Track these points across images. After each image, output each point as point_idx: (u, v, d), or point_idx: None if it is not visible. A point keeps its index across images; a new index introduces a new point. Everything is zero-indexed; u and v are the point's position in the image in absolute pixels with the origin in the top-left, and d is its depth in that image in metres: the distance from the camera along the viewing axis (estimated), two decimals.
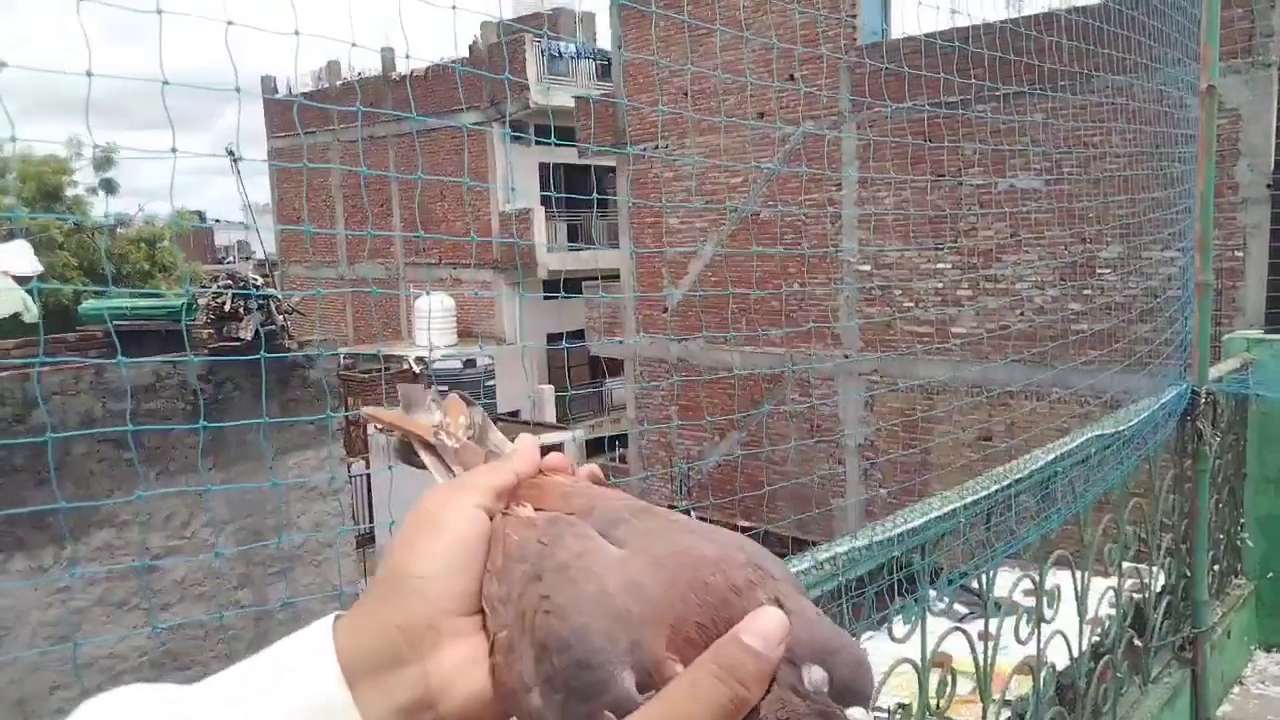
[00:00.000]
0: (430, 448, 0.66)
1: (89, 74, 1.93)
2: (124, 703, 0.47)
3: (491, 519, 0.54)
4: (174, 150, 2.15)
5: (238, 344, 7.75)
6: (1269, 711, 3.64)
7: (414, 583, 0.50)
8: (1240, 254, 9.70)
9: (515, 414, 17.25)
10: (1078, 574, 2.67)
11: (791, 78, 11.44)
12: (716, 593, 0.47)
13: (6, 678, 5.61)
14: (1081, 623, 2.71)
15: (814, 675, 0.44)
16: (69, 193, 24.89)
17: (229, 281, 9.05)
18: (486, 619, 0.51)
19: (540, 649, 0.47)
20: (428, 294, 18.45)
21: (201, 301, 9.01)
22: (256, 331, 7.79)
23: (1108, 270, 9.88)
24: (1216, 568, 3.68)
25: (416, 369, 14.68)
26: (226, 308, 8.34)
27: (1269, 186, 9.54)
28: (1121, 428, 2.82)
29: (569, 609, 0.47)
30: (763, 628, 0.45)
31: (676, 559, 0.48)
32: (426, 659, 0.49)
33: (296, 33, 2.17)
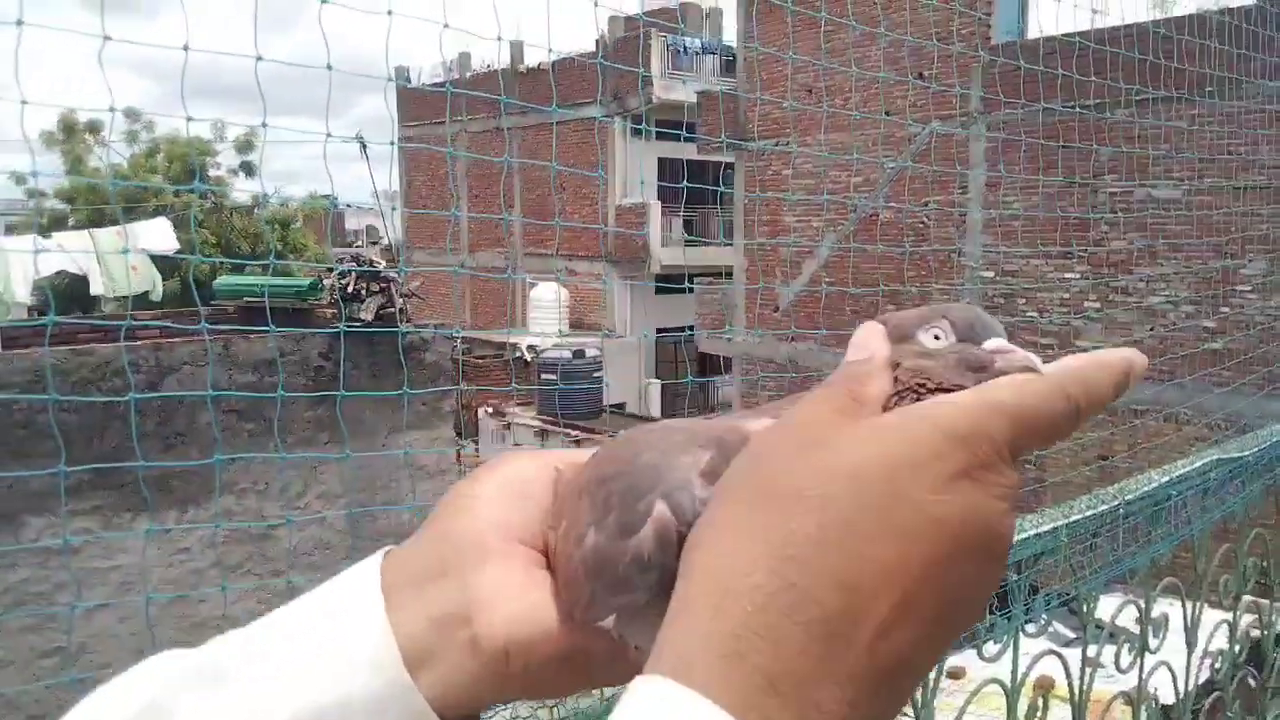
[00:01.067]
0: None
1: (258, 58, 2.03)
2: (158, 672, 0.45)
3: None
4: (327, 134, 2.24)
5: (358, 324, 8.03)
6: None
7: (464, 500, 0.49)
8: None
9: (622, 406, 17.39)
10: (1189, 604, 2.53)
11: (921, 76, 11.16)
12: None
13: (128, 629, 5.95)
14: (1190, 655, 2.57)
15: (933, 332, 0.44)
16: (211, 173, 26.16)
17: (354, 264, 9.38)
18: (548, 548, 0.49)
19: (594, 486, 0.46)
20: (550, 281, 18.73)
21: (326, 282, 9.37)
22: (377, 313, 8.05)
23: (1247, 287, 9.33)
24: None
25: (528, 357, 14.94)
26: (350, 289, 8.64)
27: None
28: (1246, 453, 2.67)
29: (620, 446, 0.48)
30: (854, 340, 0.45)
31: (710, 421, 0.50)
32: (468, 572, 0.46)
33: (445, 25, 2.24)
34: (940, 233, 12.60)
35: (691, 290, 15.99)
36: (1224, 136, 7.88)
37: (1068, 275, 11.50)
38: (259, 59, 1.98)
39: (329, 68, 1.96)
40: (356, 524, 7.56)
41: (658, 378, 20.10)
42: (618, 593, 0.44)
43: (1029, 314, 11.82)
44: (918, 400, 0.41)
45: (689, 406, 18.75)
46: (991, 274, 12.40)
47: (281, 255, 25.46)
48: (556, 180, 21.53)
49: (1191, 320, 10.00)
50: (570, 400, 13.59)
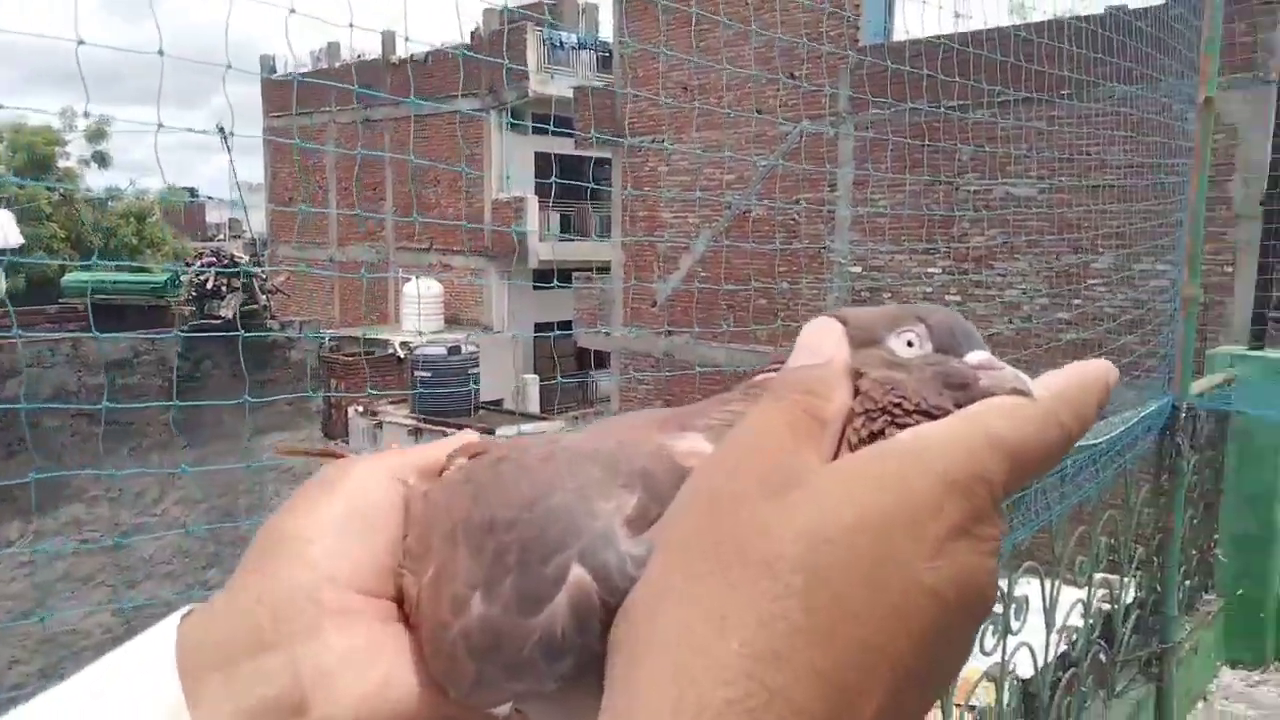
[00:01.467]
0: None
1: (80, 41, 1.90)
2: None
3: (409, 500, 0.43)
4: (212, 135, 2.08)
5: (218, 322, 7.67)
6: None
7: (291, 544, 0.39)
8: (1230, 270, 9.68)
9: (499, 403, 17.19)
10: (1048, 583, 2.62)
11: (792, 75, 11.38)
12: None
13: None
14: (1049, 633, 2.66)
15: (906, 337, 0.37)
16: (60, 164, 24.69)
17: (212, 259, 8.98)
18: (403, 593, 0.39)
19: (479, 533, 0.37)
20: (415, 278, 18.36)
21: (184, 278, 8.92)
22: (238, 310, 7.71)
23: (1098, 281, 9.86)
24: (1188, 583, 3.64)
25: (401, 354, 14.60)
26: (209, 285, 8.26)
27: (1262, 204, 9.51)
28: (1100, 440, 2.78)
29: (510, 480, 0.38)
30: (804, 340, 0.38)
31: (623, 425, 0.41)
32: (298, 643, 0.36)
33: (292, 11, 2.14)
34: (810, 229, 12.89)
35: (569, 286, 15.93)
36: (1079, 137, 8.28)
37: (931, 270, 11.92)
38: (80, 43, 1.83)
39: (161, 53, 1.83)
40: (218, 530, 7.21)
41: (535, 373, 19.96)
42: (517, 679, 0.35)
43: None
44: (892, 423, 0.34)
45: (568, 402, 18.70)
46: (859, 269, 12.75)
47: (137, 250, 24.20)
48: (430, 174, 21.11)
49: (1047, 313, 10.50)
50: (444, 398, 13.34)
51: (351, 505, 0.41)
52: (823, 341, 0.37)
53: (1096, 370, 0.36)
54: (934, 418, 0.34)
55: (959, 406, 0.34)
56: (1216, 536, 3.92)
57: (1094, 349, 7.29)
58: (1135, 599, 3.19)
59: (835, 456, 0.34)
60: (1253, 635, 4.04)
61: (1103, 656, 2.94)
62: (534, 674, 0.35)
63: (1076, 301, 10.14)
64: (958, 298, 11.54)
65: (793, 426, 0.34)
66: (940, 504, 0.31)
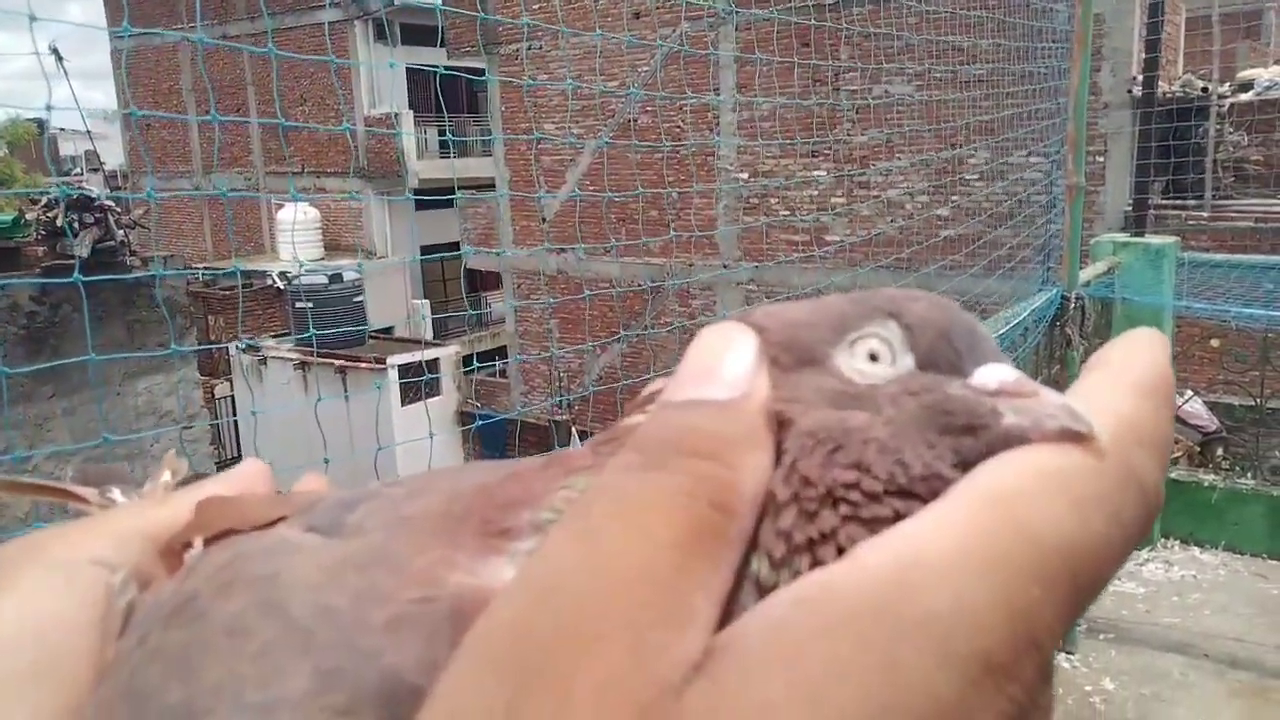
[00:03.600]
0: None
1: None
2: None
3: (137, 582, 0.28)
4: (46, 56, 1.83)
5: (72, 261, 7.17)
6: (1124, 607, 3.78)
7: None
8: (1101, 158, 9.98)
9: (389, 330, 16.74)
10: None
11: None
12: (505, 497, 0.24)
13: None
14: None
15: (867, 346, 0.23)
16: None
17: (59, 194, 8.37)
18: None
19: None
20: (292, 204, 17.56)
21: (31, 216, 8.31)
22: (93, 246, 7.22)
23: (974, 175, 10.05)
24: None
25: (280, 285, 14.01)
26: (59, 222, 7.71)
27: (1129, 92, 9.78)
28: (993, 335, 2.79)
29: (170, 664, 0.22)
30: (694, 358, 0.22)
31: (442, 496, 0.25)
32: None
33: None
34: (696, 136, 12.76)
35: (453, 205, 15.47)
36: (951, 29, 8.31)
37: (816, 174, 11.97)
38: None
39: None
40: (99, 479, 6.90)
41: (426, 298, 19.49)
42: None
43: (782, 213, 12.26)
44: (849, 519, 0.20)
45: (460, 327, 18.36)
46: (746, 175, 12.71)
47: None
48: (296, 92, 20.04)
49: (926, 210, 10.69)
50: (330, 328, 12.89)
51: (10, 632, 0.25)
52: (725, 364, 0.22)
53: (1150, 355, 0.23)
54: (925, 498, 0.20)
55: (963, 466, 0.20)
56: None
57: (971, 243, 7.44)
58: None
59: (736, 590, 0.19)
60: None
61: None
62: None
63: (954, 198, 10.33)
64: (843, 199, 11.64)
65: (677, 533, 0.19)
66: (965, 712, 0.17)
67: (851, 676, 0.16)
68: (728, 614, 0.19)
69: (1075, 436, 0.20)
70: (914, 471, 0.20)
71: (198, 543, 0.29)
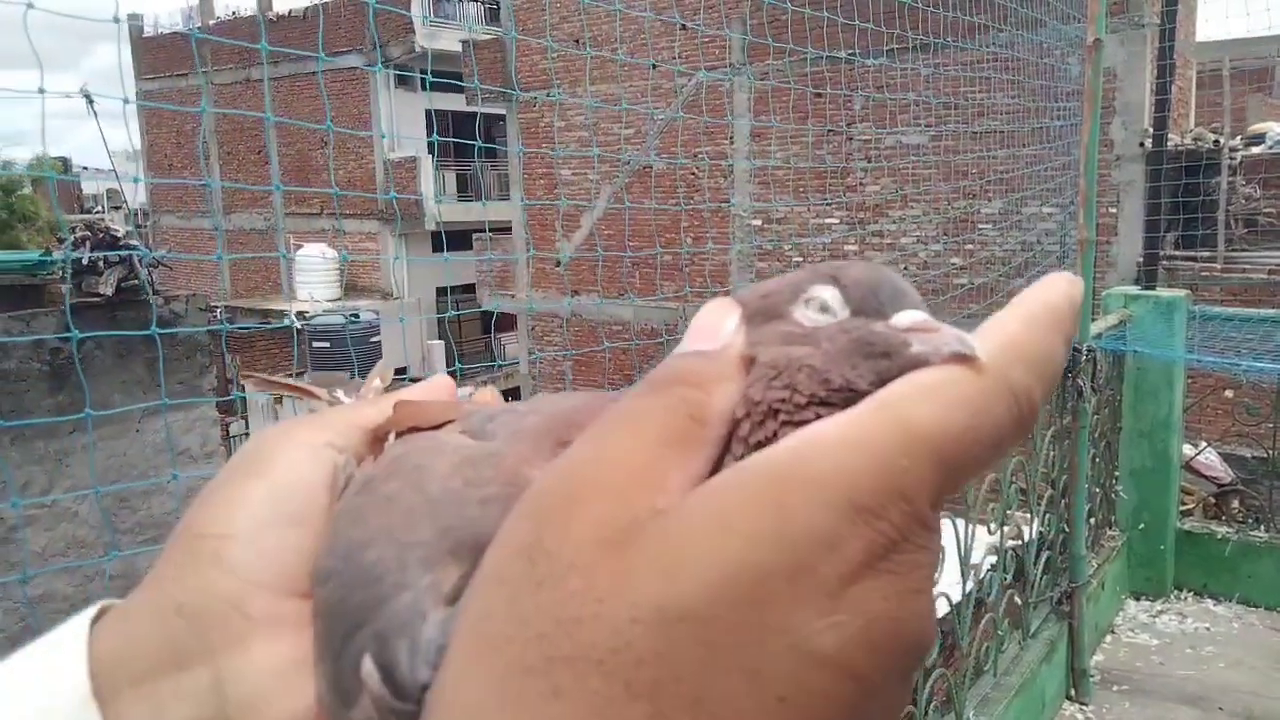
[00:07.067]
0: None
1: None
2: None
3: (355, 460, 0.39)
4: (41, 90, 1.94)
5: (97, 300, 7.29)
6: (1138, 659, 3.77)
7: (209, 544, 0.34)
8: (1114, 210, 10.05)
9: (403, 371, 16.85)
10: (959, 522, 2.68)
11: (684, 27, 11.28)
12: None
13: None
14: (964, 569, 2.72)
15: (815, 301, 0.30)
16: None
17: (87, 233, 8.53)
18: None
19: (315, 583, 0.33)
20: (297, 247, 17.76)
21: (56, 255, 8.44)
22: (118, 286, 7.34)
23: (988, 225, 10.13)
24: (1092, 520, 3.78)
25: (298, 324, 14.15)
26: (85, 261, 7.85)
27: (1141, 145, 9.87)
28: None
29: (357, 511, 0.34)
30: (694, 326, 0.30)
31: (542, 417, 0.35)
32: (221, 656, 0.32)
33: None
34: (711, 184, 12.90)
35: (470, 247, 15.65)
36: (966, 83, 8.44)
37: (829, 221, 12.07)
38: None
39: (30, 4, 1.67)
40: (114, 518, 6.93)
41: (440, 339, 19.62)
42: None
43: (796, 261, 12.35)
44: (787, 423, 0.26)
45: (475, 364, 18.43)
46: (759, 222, 12.82)
47: (8, 226, 22.87)
48: (317, 135, 20.36)
49: (941, 259, 10.76)
50: (346, 368, 12.99)
51: (279, 491, 0.36)
52: (717, 324, 0.30)
53: (1055, 295, 0.28)
54: (843, 405, 0.26)
55: (882, 383, 0.26)
56: (1117, 474, 4.07)
57: (987, 293, 7.50)
58: (1045, 540, 3.30)
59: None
60: (1154, 567, 4.24)
61: (1018, 599, 3.03)
62: None
63: (969, 246, 10.40)
64: (856, 248, 11.73)
65: (662, 433, 0.26)
66: (833, 538, 0.23)
67: (752, 511, 0.23)
68: None
69: (962, 358, 0.26)
70: (834, 385, 0.27)
71: (392, 435, 0.40)
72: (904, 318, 0.28)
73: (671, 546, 0.23)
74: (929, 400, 0.25)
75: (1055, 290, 0.28)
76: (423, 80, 19.22)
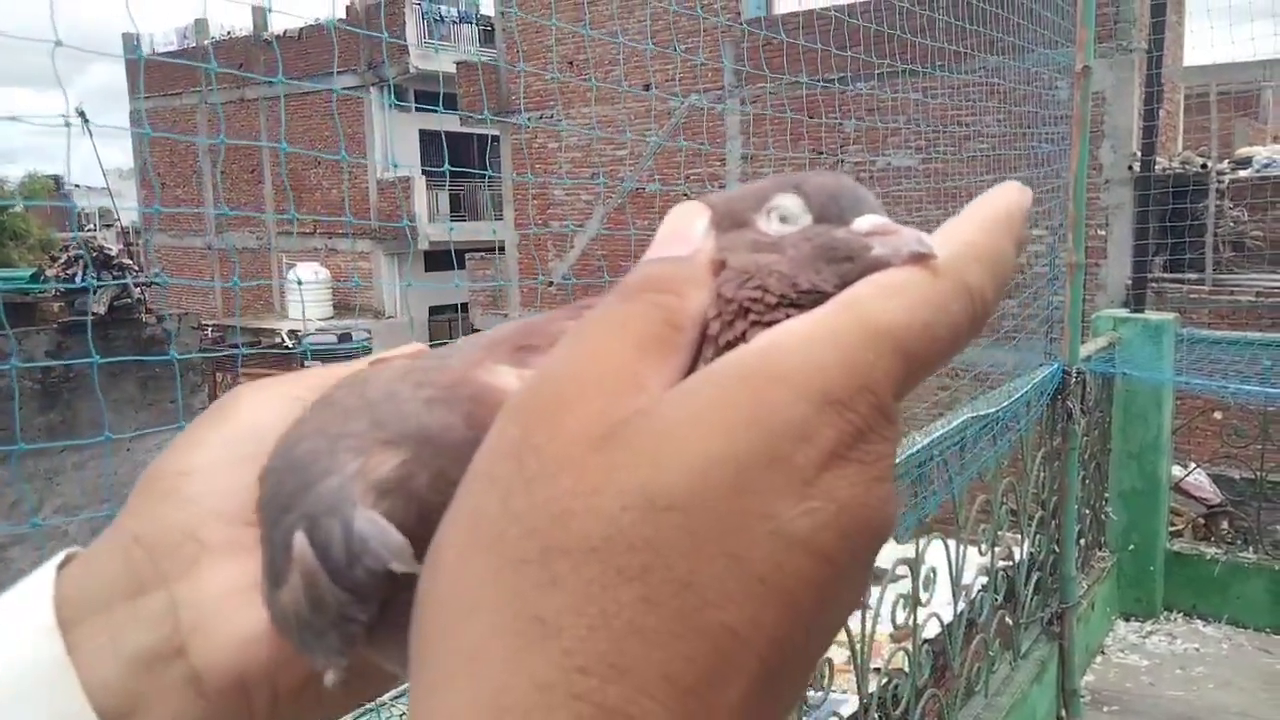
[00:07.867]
0: None
1: None
2: None
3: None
4: (72, 120, 1.93)
5: (88, 318, 7.29)
6: (1128, 679, 3.79)
7: (169, 481, 0.35)
8: (1103, 233, 10.13)
9: None
10: (950, 543, 2.69)
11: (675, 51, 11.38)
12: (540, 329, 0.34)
13: None
14: (955, 590, 2.74)
15: (778, 211, 0.31)
16: None
17: (80, 251, 8.55)
18: None
19: (260, 481, 0.34)
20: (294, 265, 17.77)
21: (51, 273, 8.45)
22: (110, 304, 7.34)
23: None
24: (1082, 541, 3.80)
25: (289, 343, 14.14)
26: (78, 279, 7.84)
27: (1130, 168, 9.97)
28: (995, 409, 2.85)
29: (286, 433, 0.34)
30: (662, 231, 0.31)
31: (499, 330, 0.35)
32: (175, 581, 0.33)
33: None
34: None
35: (463, 267, 15.67)
36: (955, 107, 8.51)
37: None
38: None
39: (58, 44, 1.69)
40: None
41: None
42: (311, 650, 0.31)
43: None
44: (756, 323, 0.28)
45: None
46: None
47: None
48: (310, 155, 20.42)
49: None
50: None
51: (240, 431, 0.37)
52: (687, 230, 0.31)
53: (1007, 201, 0.30)
54: (810, 306, 0.27)
55: (846, 284, 0.28)
56: (1106, 495, 4.10)
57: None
58: (1035, 560, 3.31)
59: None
60: (1143, 587, 4.25)
61: (1009, 619, 3.04)
62: (321, 648, 0.31)
63: None
64: None
65: (639, 338, 0.27)
66: (806, 429, 0.24)
67: (731, 406, 0.25)
68: None
69: (920, 259, 0.27)
70: (801, 287, 0.28)
71: None
72: (864, 222, 0.30)
73: (657, 441, 0.24)
74: (891, 299, 0.26)
75: (1007, 197, 0.30)
76: (416, 105, 19.28)
